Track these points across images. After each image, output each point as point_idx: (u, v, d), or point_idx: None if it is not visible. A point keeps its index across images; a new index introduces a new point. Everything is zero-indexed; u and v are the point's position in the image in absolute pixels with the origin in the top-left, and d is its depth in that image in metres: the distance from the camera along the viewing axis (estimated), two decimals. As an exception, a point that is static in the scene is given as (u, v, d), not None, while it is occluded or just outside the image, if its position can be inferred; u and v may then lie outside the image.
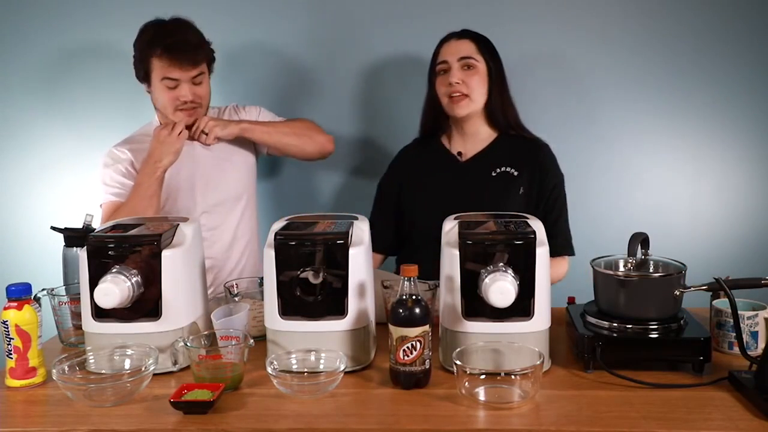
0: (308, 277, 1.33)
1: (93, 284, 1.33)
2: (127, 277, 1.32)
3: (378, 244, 2.01)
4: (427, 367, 1.27)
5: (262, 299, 1.39)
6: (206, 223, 1.99)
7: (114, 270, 1.34)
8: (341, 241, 1.34)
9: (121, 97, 2.35)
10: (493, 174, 1.94)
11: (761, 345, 1.40)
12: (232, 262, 2.07)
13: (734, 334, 1.36)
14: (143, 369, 1.25)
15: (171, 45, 1.89)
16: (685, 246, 2.26)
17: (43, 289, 1.51)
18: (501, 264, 1.29)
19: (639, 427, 1.12)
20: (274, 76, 2.41)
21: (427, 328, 1.25)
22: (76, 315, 1.50)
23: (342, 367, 1.25)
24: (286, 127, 2.06)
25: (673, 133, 2.35)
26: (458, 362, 1.22)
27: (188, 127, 1.96)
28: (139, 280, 1.35)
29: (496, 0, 2.30)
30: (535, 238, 1.30)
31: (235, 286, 1.63)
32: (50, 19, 2.40)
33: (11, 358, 1.32)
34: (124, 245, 1.38)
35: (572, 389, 1.27)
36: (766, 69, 2.30)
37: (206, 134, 1.97)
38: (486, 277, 1.26)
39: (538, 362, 1.20)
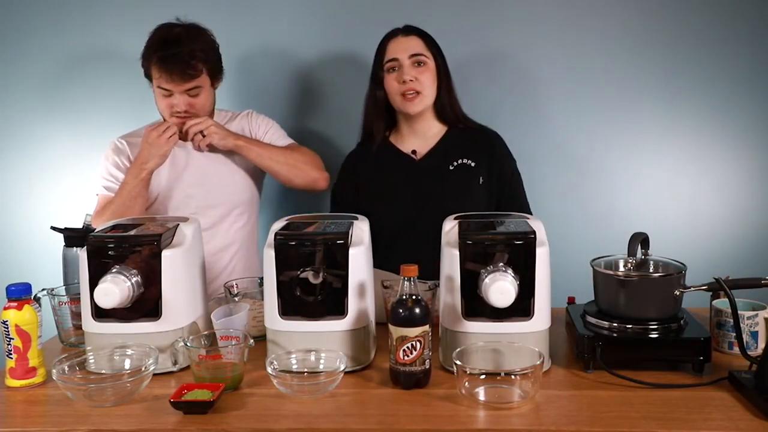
0: (308, 277, 1.33)
1: (93, 284, 1.33)
2: (127, 277, 1.32)
3: None
4: (427, 367, 1.27)
5: (262, 299, 1.39)
6: None
7: (114, 270, 1.34)
8: (341, 241, 1.34)
9: (122, 97, 2.35)
10: (451, 168, 1.93)
11: (761, 345, 1.40)
12: (218, 267, 2.05)
13: (734, 334, 1.36)
14: (143, 369, 1.25)
15: (163, 57, 1.88)
16: (685, 246, 2.26)
17: (43, 289, 1.51)
18: (501, 264, 1.29)
19: (639, 427, 1.12)
20: (283, 80, 2.40)
21: (427, 328, 1.25)
22: (76, 315, 1.50)
23: (342, 367, 1.25)
24: (281, 156, 2.02)
25: (673, 132, 2.35)
26: (458, 362, 1.22)
27: (182, 132, 1.95)
28: (139, 280, 1.35)
29: (497, 1, 2.30)
30: (535, 238, 1.30)
31: (235, 286, 1.63)
32: (51, 21, 2.39)
33: (11, 358, 1.32)
34: (124, 245, 1.38)
35: (572, 389, 1.27)
36: (766, 69, 2.30)
37: (203, 136, 1.96)
38: (486, 277, 1.26)
39: (538, 362, 1.20)
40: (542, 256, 1.30)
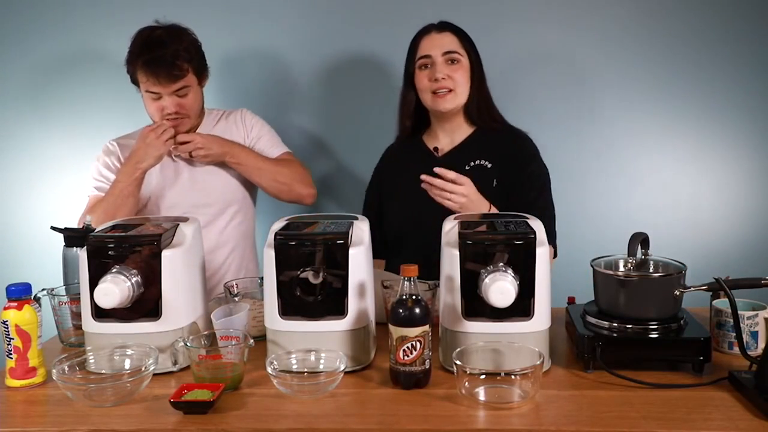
0: (308, 277, 1.33)
1: (93, 284, 1.33)
2: (127, 277, 1.32)
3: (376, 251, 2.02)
4: (427, 367, 1.27)
5: (262, 299, 1.39)
6: None
7: (114, 270, 1.34)
8: (341, 241, 1.34)
9: (121, 96, 2.34)
10: (467, 168, 1.88)
11: (761, 345, 1.40)
12: (213, 266, 2.05)
13: (734, 334, 1.36)
14: (143, 369, 1.25)
15: (147, 61, 1.88)
16: (685, 246, 2.27)
17: (43, 289, 1.51)
18: (501, 264, 1.29)
19: (639, 427, 1.12)
20: (269, 80, 2.42)
21: (427, 328, 1.25)
22: (76, 315, 1.50)
23: (342, 367, 1.25)
24: (268, 170, 2.01)
25: (674, 133, 2.35)
26: (458, 362, 1.22)
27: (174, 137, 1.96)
28: (139, 280, 1.35)
29: (496, 1, 2.30)
30: (535, 238, 1.30)
31: (235, 286, 1.63)
32: (49, 22, 2.41)
33: (11, 358, 1.32)
34: (124, 245, 1.38)
35: (572, 389, 1.27)
36: (766, 69, 2.30)
37: (192, 157, 1.96)
38: (486, 277, 1.26)
39: (538, 362, 1.20)
40: (542, 256, 1.30)
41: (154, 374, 1.28)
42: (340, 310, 1.34)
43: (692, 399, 1.21)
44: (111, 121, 2.35)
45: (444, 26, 1.91)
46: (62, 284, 1.60)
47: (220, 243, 2.05)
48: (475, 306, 1.30)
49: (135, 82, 1.96)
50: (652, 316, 1.36)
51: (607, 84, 2.34)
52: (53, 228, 1.65)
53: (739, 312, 1.32)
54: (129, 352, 1.35)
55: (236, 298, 1.57)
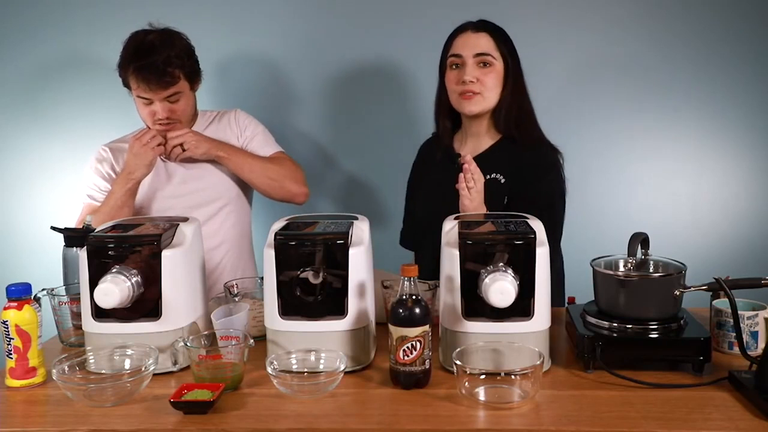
0: (308, 277, 1.33)
1: (93, 284, 1.33)
2: (127, 277, 1.32)
3: (408, 242, 2.05)
4: (427, 367, 1.27)
5: (262, 299, 1.39)
6: None
7: (114, 270, 1.34)
8: (341, 241, 1.34)
9: (120, 96, 2.34)
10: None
11: (761, 345, 1.40)
12: (208, 267, 2.04)
13: (734, 334, 1.36)
14: (143, 369, 1.25)
15: (138, 68, 1.87)
16: (685, 246, 2.26)
17: (43, 289, 1.51)
18: (501, 264, 1.29)
19: (639, 427, 1.12)
20: (263, 81, 2.43)
21: (427, 328, 1.25)
22: (76, 315, 1.50)
23: (342, 367, 1.25)
24: (260, 168, 2.01)
25: (674, 133, 2.35)
26: (458, 362, 1.22)
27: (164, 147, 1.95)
28: (139, 280, 1.35)
29: (494, 0, 2.30)
30: (535, 238, 1.30)
31: (235, 286, 1.63)
32: (47, 24, 2.42)
33: (11, 358, 1.32)
34: (124, 245, 1.38)
35: (572, 389, 1.27)
36: (766, 69, 2.30)
37: (184, 150, 1.95)
38: (486, 277, 1.26)
39: (538, 362, 1.20)
40: (542, 256, 1.30)
41: (154, 374, 1.28)
42: (340, 310, 1.34)
43: (692, 399, 1.21)
44: (110, 121, 2.35)
45: (481, 26, 1.82)
46: (62, 284, 1.60)
47: (216, 243, 2.05)
48: (475, 306, 1.30)
49: (127, 86, 1.96)
50: (652, 316, 1.36)
51: (607, 84, 2.34)
52: (53, 228, 1.65)
53: (739, 312, 1.32)
54: (129, 352, 1.35)
55: (236, 298, 1.57)
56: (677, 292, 1.35)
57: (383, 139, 2.24)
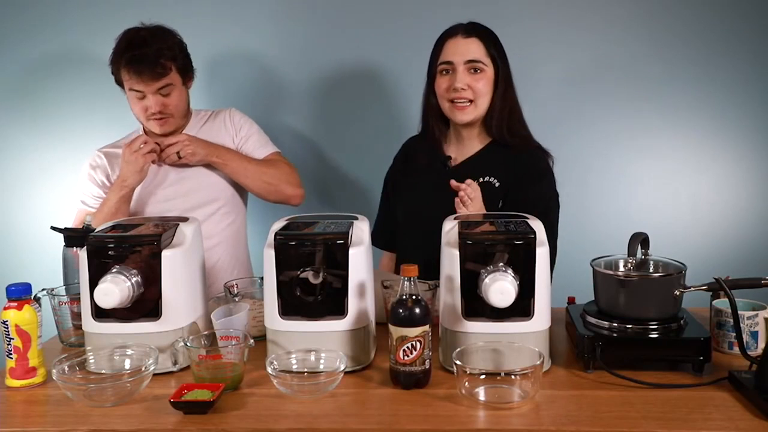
0: (308, 277, 1.33)
1: (93, 284, 1.33)
2: (127, 277, 1.32)
3: (380, 240, 1.98)
4: (427, 367, 1.27)
5: (262, 299, 1.39)
6: None
7: (114, 270, 1.34)
8: (341, 241, 1.34)
9: (120, 96, 2.35)
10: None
11: (761, 345, 1.40)
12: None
13: (734, 334, 1.36)
14: (143, 369, 1.25)
15: (131, 59, 1.88)
16: (685, 246, 2.26)
17: (43, 289, 1.51)
18: (501, 264, 1.29)
19: (639, 427, 1.12)
20: (257, 80, 2.43)
21: (427, 328, 1.25)
22: (76, 315, 1.50)
23: (342, 367, 1.25)
24: (255, 172, 2.01)
25: (674, 132, 2.35)
26: (458, 362, 1.22)
27: (159, 155, 1.95)
28: (139, 280, 1.35)
29: (491, 2, 2.29)
30: (535, 238, 1.30)
31: (235, 286, 1.63)
32: (44, 24, 2.42)
33: (11, 358, 1.32)
34: (124, 245, 1.38)
35: (572, 389, 1.27)
36: (766, 69, 2.30)
37: (180, 157, 1.95)
38: (486, 277, 1.26)
39: (538, 362, 1.20)
40: (542, 256, 1.30)
41: (154, 374, 1.28)
42: (340, 310, 1.34)
43: (692, 399, 1.21)
44: (110, 121, 2.35)
45: (471, 31, 1.80)
46: (62, 284, 1.60)
47: (212, 243, 2.05)
48: (475, 306, 1.30)
49: (119, 81, 1.97)
50: (652, 316, 1.36)
51: (607, 84, 2.34)
52: (53, 228, 1.65)
53: (739, 312, 1.32)
54: (129, 352, 1.35)
55: (236, 298, 1.57)
56: (677, 292, 1.35)
57: (376, 139, 2.24)
